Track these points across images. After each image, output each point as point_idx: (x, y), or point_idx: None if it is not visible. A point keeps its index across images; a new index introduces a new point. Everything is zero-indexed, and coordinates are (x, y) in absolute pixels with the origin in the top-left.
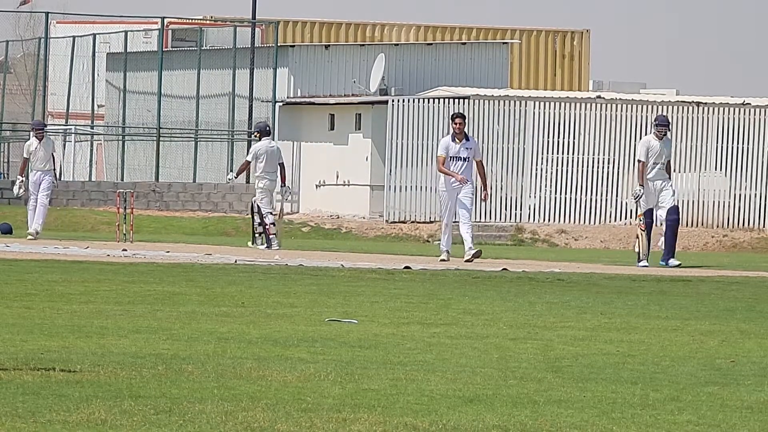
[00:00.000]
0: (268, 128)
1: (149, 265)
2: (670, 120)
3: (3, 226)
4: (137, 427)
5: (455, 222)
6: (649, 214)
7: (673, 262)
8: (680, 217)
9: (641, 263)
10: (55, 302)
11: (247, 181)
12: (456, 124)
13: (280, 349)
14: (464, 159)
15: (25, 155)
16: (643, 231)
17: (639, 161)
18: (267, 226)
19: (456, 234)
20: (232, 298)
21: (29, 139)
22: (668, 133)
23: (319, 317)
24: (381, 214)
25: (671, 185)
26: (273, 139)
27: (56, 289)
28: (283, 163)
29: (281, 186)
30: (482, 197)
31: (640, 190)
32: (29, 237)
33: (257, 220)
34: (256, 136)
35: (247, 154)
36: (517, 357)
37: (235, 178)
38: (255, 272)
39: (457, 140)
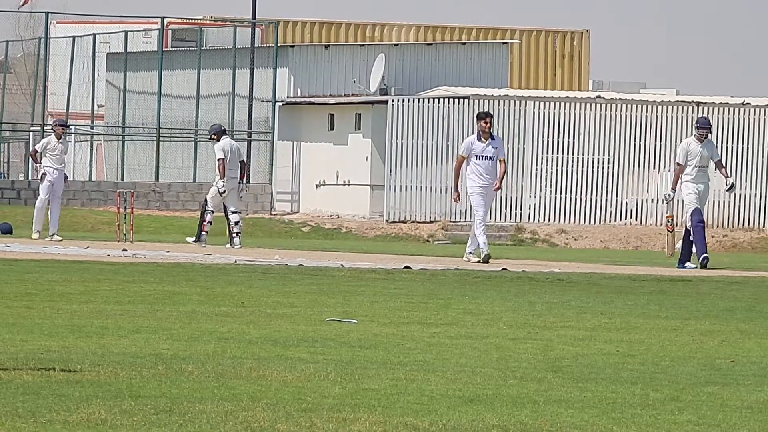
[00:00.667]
0: (224, 128)
1: (149, 265)
2: (711, 122)
3: (3, 226)
4: (137, 427)
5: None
6: (698, 213)
7: (689, 265)
8: (704, 223)
9: (688, 265)
10: (55, 302)
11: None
12: (485, 123)
13: (280, 349)
14: (490, 158)
15: (38, 148)
16: (670, 231)
17: (677, 163)
18: (204, 223)
19: (464, 234)
20: (232, 298)
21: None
22: (710, 135)
23: (319, 317)
24: (381, 214)
25: (709, 189)
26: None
27: (56, 289)
28: (244, 160)
29: (239, 183)
30: (494, 187)
31: (671, 194)
32: (34, 237)
33: (232, 219)
34: (214, 138)
35: (216, 153)
36: (517, 357)
37: (225, 183)
38: (255, 272)
39: (483, 139)
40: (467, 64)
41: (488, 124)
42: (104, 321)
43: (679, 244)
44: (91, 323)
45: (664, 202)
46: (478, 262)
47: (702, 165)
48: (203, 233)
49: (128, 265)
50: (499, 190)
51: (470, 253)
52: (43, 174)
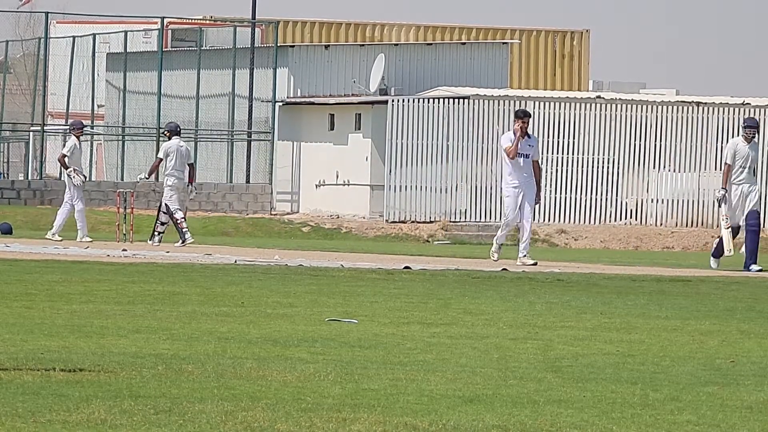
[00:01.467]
0: (178, 128)
1: (149, 265)
2: (759, 123)
3: (3, 226)
4: (137, 427)
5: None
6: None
7: (754, 267)
8: (761, 221)
9: (713, 263)
10: (55, 302)
11: (157, 179)
12: (524, 123)
13: (280, 349)
14: (526, 156)
15: (67, 153)
16: (727, 229)
17: (725, 164)
18: (179, 221)
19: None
20: (232, 298)
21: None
22: (756, 136)
23: (319, 317)
24: (381, 214)
25: (757, 189)
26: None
27: (56, 289)
28: (192, 163)
29: (188, 185)
30: (535, 200)
31: (723, 193)
32: (88, 239)
33: (162, 219)
34: (166, 135)
35: (159, 152)
36: (517, 357)
37: (147, 177)
38: (255, 272)
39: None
40: (467, 64)
41: (526, 124)
42: (104, 321)
43: (742, 248)
44: (91, 323)
45: (718, 204)
46: (534, 264)
47: (749, 166)
48: (184, 231)
49: (128, 265)
50: (539, 201)
51: (524, 256)
52: (81, 175)
